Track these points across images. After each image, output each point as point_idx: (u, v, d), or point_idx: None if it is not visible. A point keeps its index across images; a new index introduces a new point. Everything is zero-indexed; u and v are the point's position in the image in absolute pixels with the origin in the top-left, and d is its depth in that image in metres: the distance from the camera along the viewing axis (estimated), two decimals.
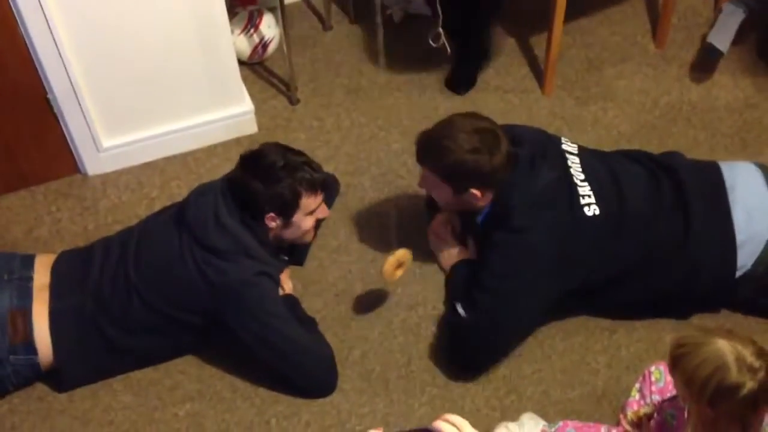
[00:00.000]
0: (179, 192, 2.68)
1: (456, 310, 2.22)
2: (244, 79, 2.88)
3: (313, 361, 2.20)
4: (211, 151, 2.80)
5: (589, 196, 2.15)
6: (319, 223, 2.40)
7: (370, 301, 2.42)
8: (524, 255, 2.14)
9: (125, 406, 2.22)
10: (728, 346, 1.58)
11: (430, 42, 2.72)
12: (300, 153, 2.25)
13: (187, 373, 2.28)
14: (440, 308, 2.39)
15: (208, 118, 2.78)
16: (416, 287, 2.44)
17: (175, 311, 2.16)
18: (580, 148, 2.30)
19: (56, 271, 2.25)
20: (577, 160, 2.24)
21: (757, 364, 1.56)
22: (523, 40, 3.15)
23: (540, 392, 2.20)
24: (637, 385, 2.07)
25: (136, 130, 2.72)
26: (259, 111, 2.86)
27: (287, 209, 2.18)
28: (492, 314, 2.17)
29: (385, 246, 2.53)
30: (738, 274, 2.18)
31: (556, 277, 2.16)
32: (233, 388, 2.24)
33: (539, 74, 3.03)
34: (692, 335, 1.65)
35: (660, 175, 2.26)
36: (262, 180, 2.15)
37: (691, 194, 2.21)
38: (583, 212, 2.13)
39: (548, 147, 2.26)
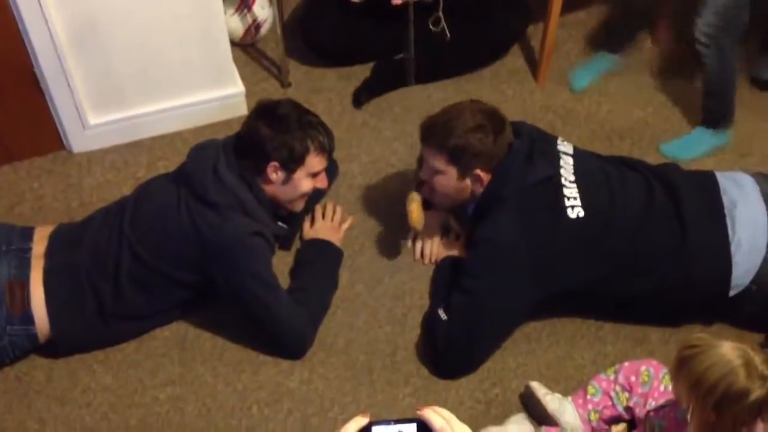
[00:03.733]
0: (165, 172, 2.64)
1: (438, 315, 2.19)
2: (236, 61, 2.84)
3: (284, 331, 2.20)
4: (199, 132, 2.76)
5: (575, 198, 2.12)
6: (309, 204, 2.38)
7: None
8: (500, 254, 2.11)
9: (104, 387, 2.18)
10: (738, 350, 1.57)
11: (430, 26, 2.69)
12: (315, 115, 2.23)
13: (169, 356, 2.24)
14: (427, 299, 2.37)
15: (198, 99, 2.74)
16: (403, 277, 2.42)
17: (165, 266, 2.14)
18: (575, 149, 2.27)
19: (53, 238, 2.23)
20: (570, 161, 2.21)
21: (767, 371, 1.56)
22: None
23: (525, 386, 2.18)
24: (617, 367, 2.06)
25: (123, 108, 2.67)
26: (249, 93, 2.82)
27: (292, 162, 2.15)
28: (469, 317, 2.14)
29: (373, 234, 2.52)
30: (736, 291, 2.14)
31: (535, 279, 2.12)
32: (215, 372, 2.22)
33: (534, 66, 3.01)
34: (701, 337, 1.64)
35: (655, 185, 2.22)
36: (273, 127, 2.13)
37: (688, 207, 2.17)
38: (566, 213, 2.10)
39: (545, 144, 2.24)
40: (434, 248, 2.43)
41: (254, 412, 2.15)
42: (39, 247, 2.20)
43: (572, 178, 2.16)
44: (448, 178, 2.19)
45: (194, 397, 2.17)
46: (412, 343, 2.28)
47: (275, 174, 2.16)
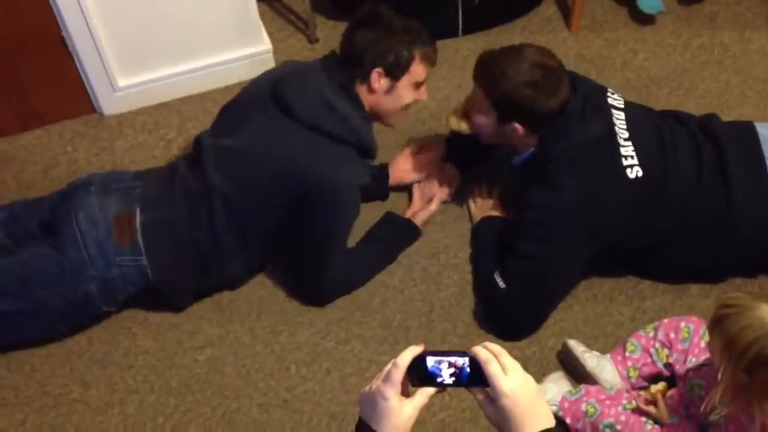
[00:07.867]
0: (197, 133, 2.62)
1: (495, 281, 2.16)
2: (262, 17, 2.80)
3: (322, 287, 2.23)
4: (228, 91, 2.73)
5: (632, 156, 2.07)
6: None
7: None
8: (560, 216, 2.06)
9: (145, 350, 2.21)
10: None
11: None
12: (418, 22, 2.14)
13: (207, 318, 2.26)
14: (462, 257, 2.36)
15: (225, 57, 2.71)
16: (438, 235, 2.40)
17: (260, 207, 2.11)
18: (626, 102, 2.19)
19: (146, 183, 2.21)
20: (622, 115, 2.14)
21: None
22: None
23: (562, 343, 2.17)
24: (656, 324, 2.04)
25: (151, 70, 2.66)
26: (277, 50, 2.79)
27: (398, 68, 2.08)
28: (530, 283, 2.13)
29: (404, 193, 2.49)
30: None
31: (593, 238, 2.09)
32: (253, 334, 2.23)
33: (567, 13, 2.93)
34: (740, 296, 1.61)
35: (702, 140, 2.17)
36: (378, 32, 2.06)
37: (731, 161, 2.12)
38: (625, 174, 2.05)
39: (598, 98, 2.16)
40: (486, 207, 2.42)
41: (292, 372, 2.17)
42: None
43: (626, 135, 2.10)
44: (487, 119, 2.14)
45: (233, 358, 2.20)
46: (447, 302, 2.28)
47: (379, 82, 2.09)
